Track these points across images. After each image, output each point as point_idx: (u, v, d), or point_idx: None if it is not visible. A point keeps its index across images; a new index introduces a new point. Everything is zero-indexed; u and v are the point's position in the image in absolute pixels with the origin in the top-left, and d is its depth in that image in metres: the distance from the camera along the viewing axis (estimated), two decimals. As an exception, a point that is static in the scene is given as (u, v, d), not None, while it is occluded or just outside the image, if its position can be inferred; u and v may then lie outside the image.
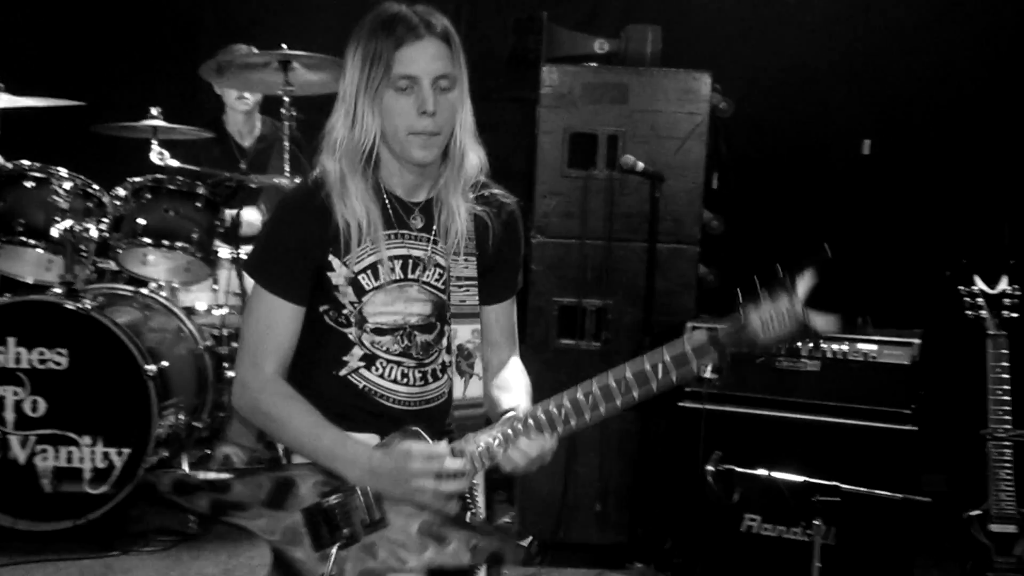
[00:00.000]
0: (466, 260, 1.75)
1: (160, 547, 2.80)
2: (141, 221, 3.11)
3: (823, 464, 3.22)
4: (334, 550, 1.65)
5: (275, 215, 1.80)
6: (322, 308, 1.72)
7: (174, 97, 3.52)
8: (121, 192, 3.15)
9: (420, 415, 1.75)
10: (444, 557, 1.64)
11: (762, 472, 3.31)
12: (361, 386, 1.74)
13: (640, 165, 3.69)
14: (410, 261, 1.73)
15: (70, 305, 2.83)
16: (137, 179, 3.17)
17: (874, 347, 3.33)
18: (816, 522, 3.22)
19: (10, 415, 2.80)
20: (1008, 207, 4.01)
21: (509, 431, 1.61)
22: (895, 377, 3.30)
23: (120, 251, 3.15)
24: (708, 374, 3.57)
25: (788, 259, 1.61)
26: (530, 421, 1.60)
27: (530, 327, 3.81)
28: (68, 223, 3.01)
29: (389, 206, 1.71)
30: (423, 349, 1.75)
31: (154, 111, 3.29)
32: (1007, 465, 2.93)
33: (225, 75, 3.34)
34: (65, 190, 3.05)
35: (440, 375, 1.79)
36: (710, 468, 3.37)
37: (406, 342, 1.74)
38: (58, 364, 2.81)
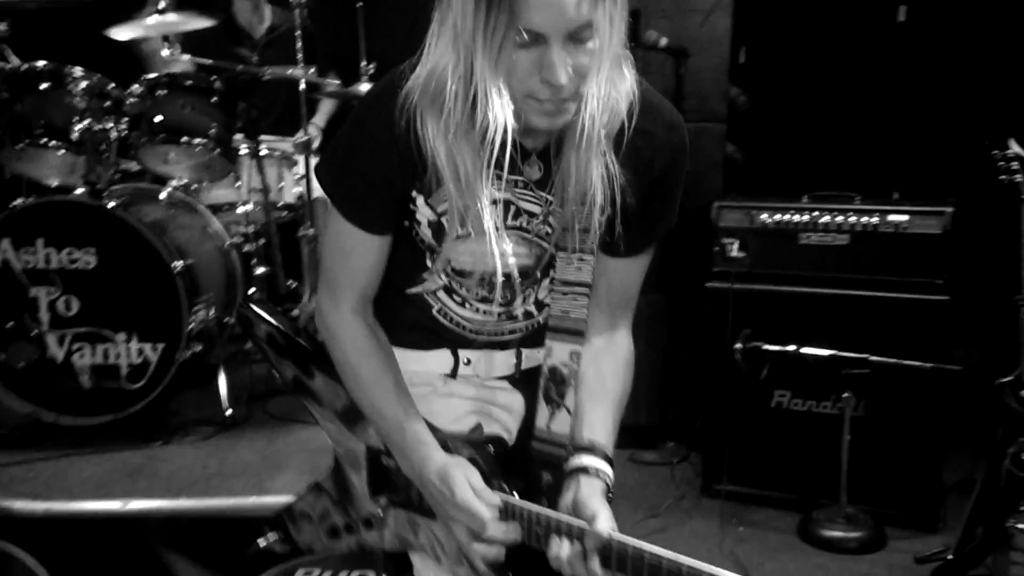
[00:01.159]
0: (584, 237, 1.43)
1: (199, 437, 2.87)
2: (158, 118, 3.10)
3: (854, 338, 3.23)
4: (383, 501, 1.60)
5: (354, 131, 1.45)
6: (405, 223, 1.49)
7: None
8: (137, 90, 3.12)
9: (500, 345, 1.58)
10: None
11: (791, 348, 3.33)
12: (436, 307, 1.55)
13: (663, 41, 3.61)
14: (512, 208, 1.45)
15: (95, 204, 2.85)
16: (151, 76, 3.14)
17: (905, 217, 3.28)
18: (846, 395, 3.26)
19: (45, 314, 2.85)
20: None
21: (580, 550, 1.32)
22: (927, 247, 3.26)
23: (140, 149, 3.15)
24: (735, 252, 3.56)
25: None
26: (597, 554, 1.31)
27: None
28: (87, 123, 3.01)
29: (498, 146, 1.30)
30: (509, 296, 1.53)
31: (162, 3, 3.25)
32: (1040, 331, 2.91)
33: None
34: (81, 89, 3.04)
35: (533, 312, 1.56)
36: (738, 346, 3.40)
37: (489, 288, 1.50)
38: (87, 263, 2.85)
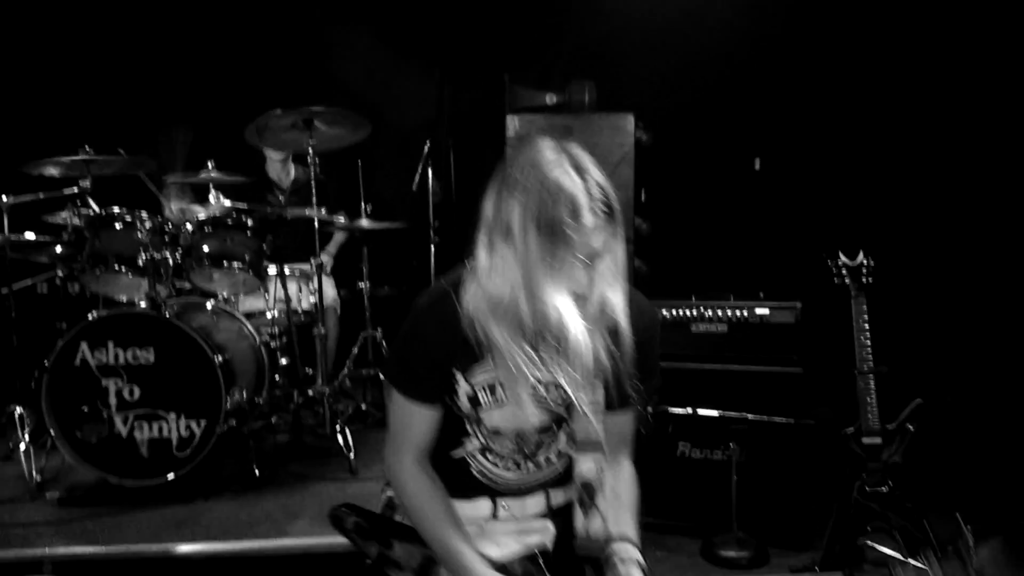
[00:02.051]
0: (595, 388, 1.39)
1: (232, 494, 2.80)
2: (205, 248, 3.12)
3: (735, 402, 3.27)
4: None
5: (410, 321, 1.45)
6: (450, 403, 1.46)
7: (226, 152, 3.51)
8: (189, 227, 3.15)
9: (534, 489, 1.51)
10: None
11: (688, 410, 3.36)
12: (474, 469, 1.49)
13: (584, 185, 3.73)
14: (543, 385, 1.42)
15: (155, 314, 2.83)
16: (201, 216, 3.17)
17: (767, 311, 3.38)
18: (732, 445, 3.27)
19: (113, 400, 2.80)
20: (863, 200, 4.08)
21: None
22: (783, 333, 3.34)
23: (191, 272, 3.15)
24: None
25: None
26: None
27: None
28: (150, 253, 3.01)
29: (528, 330, 1.34)
30: (537, 445, 1.48)
31: (210, 163, 3.31)
32: (871, 392, 2.97)
33: (263, 136, 3.35)
34: (146, 228, 3.06)
35: (555, 460, 1.50)
36: (650, 409, 3.41)
37: (519, 443, 1.47)
38: (147, 360, 2.81)
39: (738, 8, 4.29)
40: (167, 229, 3.15)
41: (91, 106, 4.21)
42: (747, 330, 3.38)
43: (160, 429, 2.78)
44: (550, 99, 4.09)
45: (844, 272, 3.05)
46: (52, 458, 3.05)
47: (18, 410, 3.14)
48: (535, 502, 1.54)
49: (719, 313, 3.43)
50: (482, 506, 1.51)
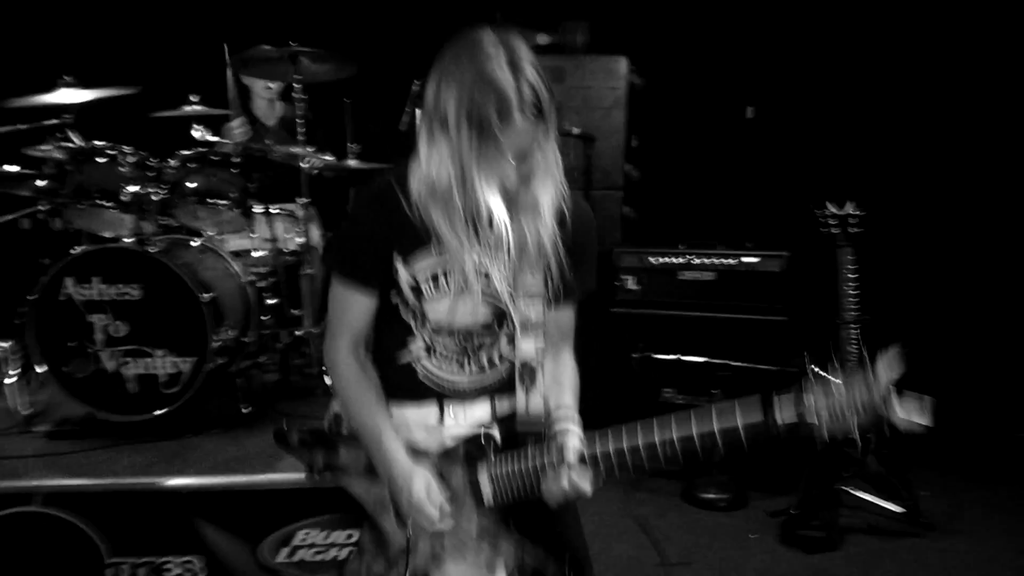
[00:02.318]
0: (536, 274, 1.44)
1: (220, 431, 2.82)
2: (190, 184, 3.07)
3: (720, 349, 3.32)
4: (411, 528, 1.51)
5: (352, 207, 1.58)
6: (394, 298, 1.49)
7: (212, 86, 3.44)
8: (173, 163, 3.10)
9: (478, 393, 1.55)
10: (497, 558, 1.46)
11: (674, 356, 3.41)
12: (420, 373, 1.53)
13: (575, 129, 3.70)
14: (480, 273, 1.45)
15: (140, 250, 2.81)
16: (185, 152, 3.12)
17: (755, 259, 3.41)
18: (715, 391, 3.34)
19: (100, 336, 2.78)
20: (854, 151, 4.08)
21: (546, 463, 1.40)
22: (770, 282, 3.38)
23: (176, 208, 3.12)
24: (631, 286, 3.63)
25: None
26: (575, 462, 1.37)
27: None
28: (134, 188, 2.97)
29: (476, 219, 1.40)
30: (479, 346, 1.51)
31: (193, 98, 3.24)
32: (855, 342, 3.03)
33: (249, 66, 3.27)
34: (129, 163, 3.00)
35: (498, 363, 1.53)
36: (635, 355, 3.46)
37: (462, 340, 1.50)
38: (133, 296, 2.78)
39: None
40: (150, 164, 3.09)
41: (74, 34, 4.09)
42: (734, 278, 3.42)
43: (147, 366, 2.78)
44: (542, 39, 4.02)
45: (831, 221, 3.07)
46: (40, 393, 3.06)
47: (4, 345, 3.13)
48: (481, 409, 1.57)
49: (707, 261, 3.46)
50: (430, 412, 1.55)
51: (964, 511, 3.19)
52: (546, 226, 1.40)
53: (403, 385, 1.53)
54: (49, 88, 3.14)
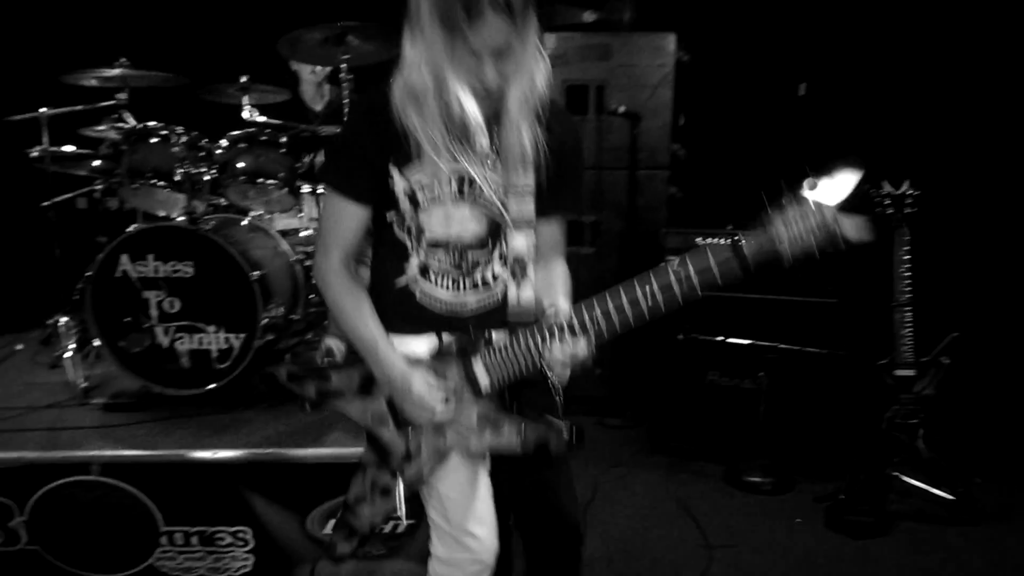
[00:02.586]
0: (525, 173, 1.47)
1: (268, 406, 2.88)
2: (240, 164, 3.12)
3: (766, 331, 3.26)
4: (413, 429, 1.57)
5: (345, 120, 1.61)
6: (389, 216, 1.52)
7: (261, 68, 3.48)
8: (224, 143, 3.16)
9: (469, 322, 1.57)
10: (499, 442, 1.51)
11: (719, 338, 3.36)
12: (417, 295, 1.56)
13: (622, 108, 3.66)
14: (466, 179, 1.48)
15: (193, 228, 2.87)
16: (235, 132, 3.17)
17: (804, 240, 3.33)
18: (761, 374, 3.29)
19: (154, 312, 2.85)
20: (909, 130, 3.96)
21: (539, 338, 1.42)
22: (819, 263, 3.30)
23: (226, 188, 3.17)
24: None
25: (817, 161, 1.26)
26: (565, 328, 1.40)
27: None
28: (186, 168, 3.03)
29: (453, 123, 1.42)
30: (473, 264, 1.55)
31: (243, 77, 3.29)
32: (908, 325, 2.95)
33: (296, 50, 3.30)
34: (182, 143, 3.07)
35: (491, 282, 1.57)
36: (680, 337, 3.43)
37: (457, 257, 1.53)
38: (186, 273, 2.85)
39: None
40: (201, 144, 3.15)
41: (129, 17, 4.17)
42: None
43: (200, 341, 2.85)
44: (588, 16, 3.97)
45: (887, 201, 2.98)
46: (97, 367, 3.17)
47: (63, 320, 3.24)
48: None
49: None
50: (429, 341, 1.57)
51: (1017, 503, 3.10)
52: (525, 123, 1.42)
53: (401, 311, 1.56)
54: (105, 67, 3.21)
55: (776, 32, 4.19)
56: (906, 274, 2.97)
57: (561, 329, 1.40)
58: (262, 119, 3.30)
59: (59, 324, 3.24)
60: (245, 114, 3.26)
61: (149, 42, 3.71)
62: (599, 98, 3.81)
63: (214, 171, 3.12)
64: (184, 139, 3.08)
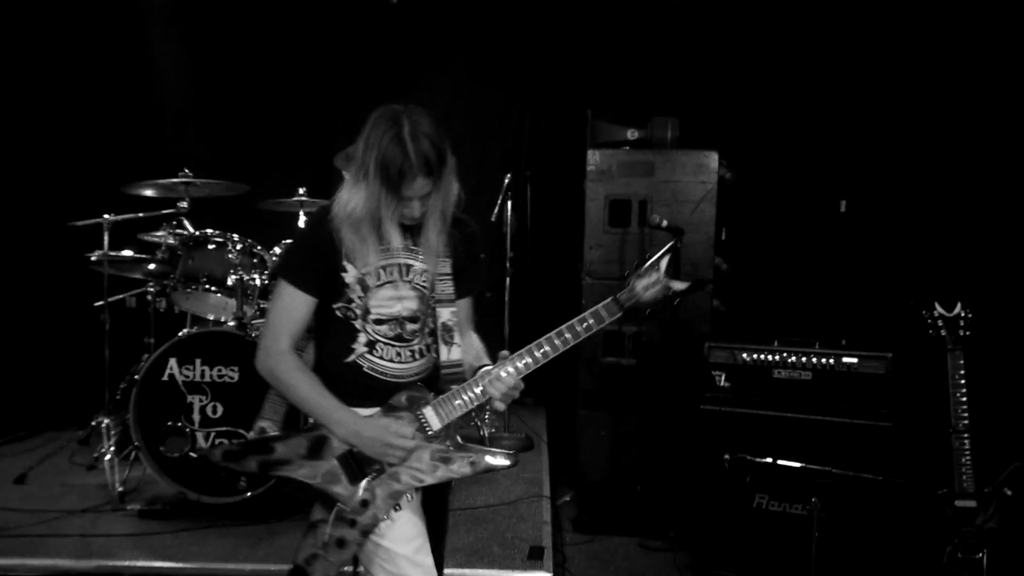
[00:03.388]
0: (443, 262, 1.86)
1: (303, 516, 2.79)
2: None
3: (816, 454, 3.14)
4: (367, 480, 1.74)
5: (301, 229, 2.01)
6: (335, 305, 1.79)
7: (317, 178, 3.61)
8: (277, 250, 3.23)
9: (412, 384, 1.83)
10: (451, 473, 1.77)
11: (768, 459, 3.24)
12: (366, 367, 1.81)
13: (664, 222, 3.68)
14: (402, 267, 1.82)
15: (242, 334, 2.90)
16: (288, 241, 3.25)
17: (855, 360, 3.26)
18: (813, 499, 3.14)
19: (197, 416, 2.87)
20: (955, 247, 3.93)
21: (486, 383, 1.77)
22: (873, 384, 3.21)
23: (276, 294, 3.22)
24: (723, 383, 3.53)
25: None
26: (504, 369, 1.76)
27: (581, 348, 3.82)
28: (239, 274, 3.10)
29: (382, 243, 1.79)
30: (411, 335, 1.84)
31: (301, 190, 3.40)
32: (967, 453, 2.83)
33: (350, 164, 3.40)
34: (237, 250, 3.15)
35: (425, 353, 1.88)
36: (727, 457, 3.32)
37: (398, 329, 1.81)
38: (232, 378, 2.87)
39: (824, 42, 4.22)
40: (255, 251, 3.23)
41: (191, 128, 4.39)
42: (833, 379, 3.27)
43: (240, 448, 2.82)
44: (631, 134, 4.07)
45: (940, 324, 2.92)
46: (134, 470, 3.15)
47: (105, 421, 3.25)
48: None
49: (803, 360, 3.33)
50: (373, 411, 1.80)
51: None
52: (437, 235, 1.81)
53: (350, 383, 1.81)
54: (168, 177, 3.35)
55: (817, 150, 4.27)
56: (963, 399, 2.87)
57: (505, 357, 1.77)
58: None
59: (101, 424, 3.26)
60: (302, 223, 3.35)
61: (211, 153, 3.87)
62: (642, 212, 3.86)
63: (266, 277, 3.18)
64: (239, 246, 3.16)
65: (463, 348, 1.91)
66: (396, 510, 1.78)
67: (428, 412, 1.80)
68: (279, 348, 1.79)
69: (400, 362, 1.84)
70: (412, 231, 1.82)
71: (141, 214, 3.37)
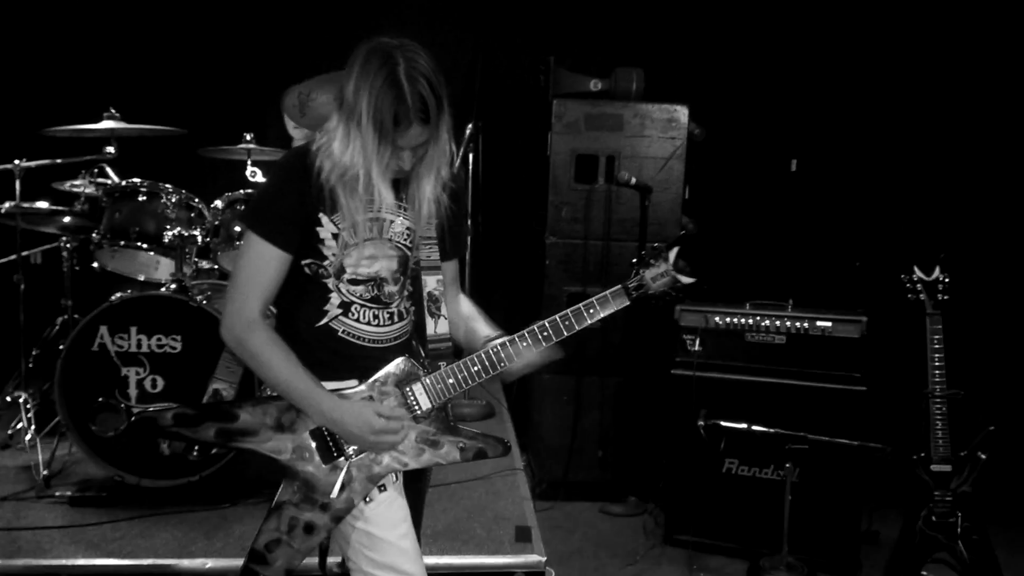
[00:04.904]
0: (429, 225, 1.71)
1: (263, 498, 2.57)
2: (237, 228, 2.88)
3: (789, 419, 3.10)
4: (343, 460, 1.59)
5: (272, 176, 1.71)
6: (305, 261, 1.61)
7: (264, 125, 3.25)
8: (219, 204, 2.90)
9: (391, 350, 1.68)
10: (438, 457, 1.64)
11: (743, 425, 3.18)
12: (340, 331, 1.64)
13: (633, 179, 3.53)
14: (384, 223, 1.66)
15: (184, 299, 2.59)
16: (232, 193, 2.92)
17: (829, 323, 3.22)
18: (787, 464, 3.11)
19: (134, 391, 2.56)
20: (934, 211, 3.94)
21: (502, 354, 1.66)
22: (847, 348, 3.19)
23: (219, 253, 2.90)
24: (695, 347, 3.44)
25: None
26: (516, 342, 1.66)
27: (544, 310, 3.66)
28: (177, 230, 2.77)
29: (370, 196, 1.62)
30: (389, 296, 1.68)
31: (247, 136, 3.05)
32: (942, 417, 2.84)
33: (305, 114, 3.08)
34: (172, 202, 2.81)
35: (405, 315, 1.73)
36: (701, 422, 3.24)
37: (375, 291, 1.65)
38: (173, 348, 2.57)
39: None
40: (192, 204, 2.89)
41: (118, 68, 3.88)
42: (808, 343, 3.23)
43: (186, 426, 2.53)
44: (595, 85, 3.87)
45: (919, 288, 2.89)
46: (59, 448, 2.79)
47: (22, 396, 2.88)
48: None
49: (777, 323, 3.27)
50: (347, 385, 1.64)
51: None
52: (430, 196, 1.66)
53: (322, 350, 1.63)
54: (94, 120, 2.94)
55: (786, 107, 4.17)
56: (940, 363, 2.86)
57: (517, 336, 1.66)
58: (262, 179, 3.05)
59: (18, 398, 2.89)
60: (248, 174, 3.02)
61: (142, 94, 3.44)
62: (609, 168, 3.69)
63: (205, 234, 2.86)
64: (174, 198, 2.82)
65: (453, 316, 1.78)
66: (381, 491, 1.62)
67: (418, 390, 1.64)
68: (249, 315, 1.56)
69: (378, 325, 1.67)
70: (401, 185, 1.66)
71: (59, 160, 2.95)
